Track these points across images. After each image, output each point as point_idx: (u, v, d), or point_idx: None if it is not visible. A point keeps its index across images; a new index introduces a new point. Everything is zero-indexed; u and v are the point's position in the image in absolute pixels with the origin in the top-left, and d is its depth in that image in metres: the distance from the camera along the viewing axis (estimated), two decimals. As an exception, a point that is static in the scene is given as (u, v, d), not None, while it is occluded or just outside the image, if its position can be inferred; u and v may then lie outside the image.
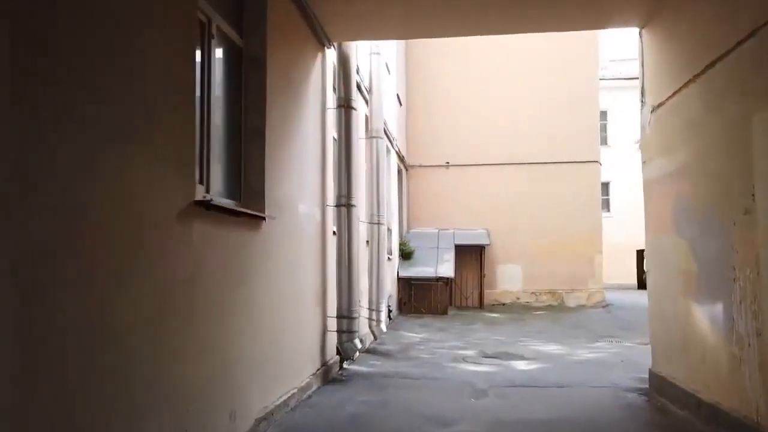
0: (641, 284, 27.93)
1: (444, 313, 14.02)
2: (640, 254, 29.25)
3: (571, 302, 16.49)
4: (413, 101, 17.16)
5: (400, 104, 15.47)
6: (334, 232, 6.98)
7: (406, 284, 14.22)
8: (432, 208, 16.95)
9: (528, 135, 16.78)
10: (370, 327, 8.58)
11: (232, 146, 4.51)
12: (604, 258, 16.82)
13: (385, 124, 10.46)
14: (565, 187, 16.59)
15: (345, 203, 6.94)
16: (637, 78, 6.54)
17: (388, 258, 12.17)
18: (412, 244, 15.30)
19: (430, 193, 17.01)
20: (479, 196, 16.86)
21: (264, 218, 4.52)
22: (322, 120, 6.71)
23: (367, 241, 8.86)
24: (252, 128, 4.65)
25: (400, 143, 14.84)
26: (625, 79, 27.52)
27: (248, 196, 4.57)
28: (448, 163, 17.06)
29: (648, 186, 6.27)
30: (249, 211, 4.28)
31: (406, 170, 16.87)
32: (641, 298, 21.14)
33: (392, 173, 13.47)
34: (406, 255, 14.67)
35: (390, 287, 12.54)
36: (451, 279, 14.30)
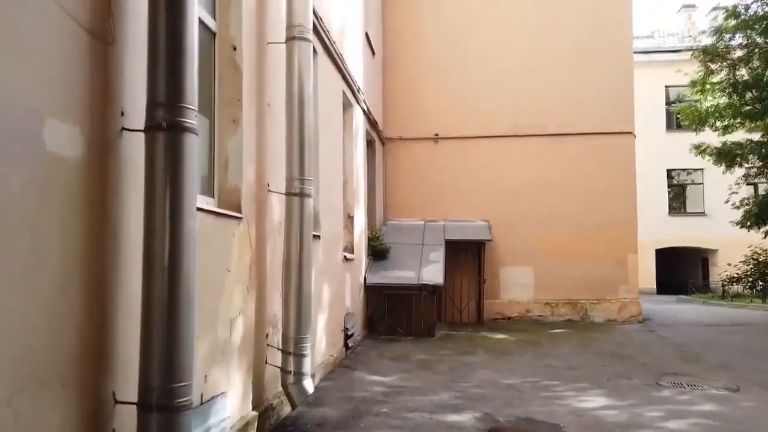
0: (661, 288, 24.19)
1: (429, 334, 10.11)
2: (660, 254, 25.59)
3: (597, 316, 12.61)
4: (392, 55, 13.26)
5: (373, 53, 11.55)
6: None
7: (376, 295, 10.31)
8: (416, 194, 13.06)
9: (542, 99, 12.92)
10: (283, 385, 4.65)
11: None
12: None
13: (326, 33, 6.55)
14: (591, 165, 12.73)
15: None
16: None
17: (345, 258, 8.26)
18: (388, 240, 11.40)
19: (413, 174, 13.12)
20: (478, 177, 12.99)
21: None
22: None
23: (280, 223, 4.94)
24: None
25: (372, 105, 10.95)
26: (642, 52, 23.85)
27: None
28: (437, 135, 13.17)
29: None
30: None
31: (382, 144, 12.96)
32: (682, 309, 17.22)
33: (358, 138, 9.56)
34: (378, 254, 10.76)
35: (349, 301, 8.62)
36: (440, 287, 10.38)
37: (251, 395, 4.35)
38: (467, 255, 12.47)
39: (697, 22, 28.64)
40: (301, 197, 4.72)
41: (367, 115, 10.41)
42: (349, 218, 8.95)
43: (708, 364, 8.30)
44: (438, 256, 11.10)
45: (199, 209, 3.37)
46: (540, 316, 12.68)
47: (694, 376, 7.36)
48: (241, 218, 4.21)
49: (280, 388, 4.73)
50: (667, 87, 24.64)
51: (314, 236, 6.16)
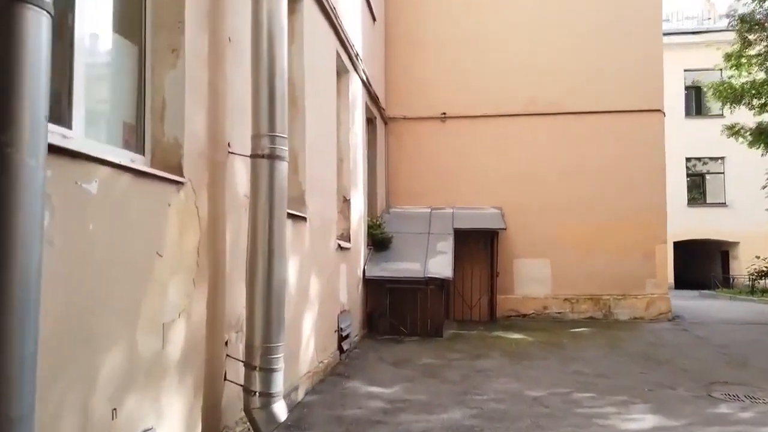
0: (678, 283, 22.90)
1: (437, 334, 8.94)
2: (677, 248, 24.26)
3: (622, 314, 11.41)
4: (395, 25, 12.04)
5: (373, 18, 10.34)
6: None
7: (377, 289, 9.14)
8: (422, 179, 11.87)
9: (562, 74, 11.70)
10: (246, 410, 3.48)
11: None
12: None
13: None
14: (615, 146, 11.51)
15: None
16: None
17: (340, 247, 7.08)
18: (391, 229, 10.22)
19: (419, 156, 11.93)
20: (490, 161, 11.79)
21: None
22: None
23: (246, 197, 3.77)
24: None
25: (373, 78, 9.75)
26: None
27: None
28: (444, 114, 11.97)
29: None
30: None
31: (385, 123, 11.77)
32: (710, 305, 15.85)
33: (356, 111, 8.37)
34: (379, 243, 9.59)
35: (345, 297, 7.45)
36: (449, 280, 9.20)
37: (200, 427, 3.20)
38: (478, 246, 11.29)
39: (716, 4, 27.26)
40: (271, 160, 3.54)
41: (367, 86, 9.22)
42: (345, 202, 7.78)
43: (759, 369, 7.13)
44: (446, 246, 9.92)
45: (105, 163, 2.22)
46: (558, 313, 11.49)
47: (748, 386, 6.21)
48: (182, 183, 3.04)
49: (244, 414, 3.56)
50: (686, 71, 23.31)
51: (298, 217, 5.02)
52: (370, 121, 10.48)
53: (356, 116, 8.42)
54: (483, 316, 11.14)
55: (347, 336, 7.26)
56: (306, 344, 5.51)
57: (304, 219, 5.45)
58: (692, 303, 15.46)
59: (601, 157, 11.49)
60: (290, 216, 4.64)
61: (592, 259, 11.43)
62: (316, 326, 5.89)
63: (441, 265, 9.18)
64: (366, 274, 8.82)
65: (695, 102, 24.27)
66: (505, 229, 10.86)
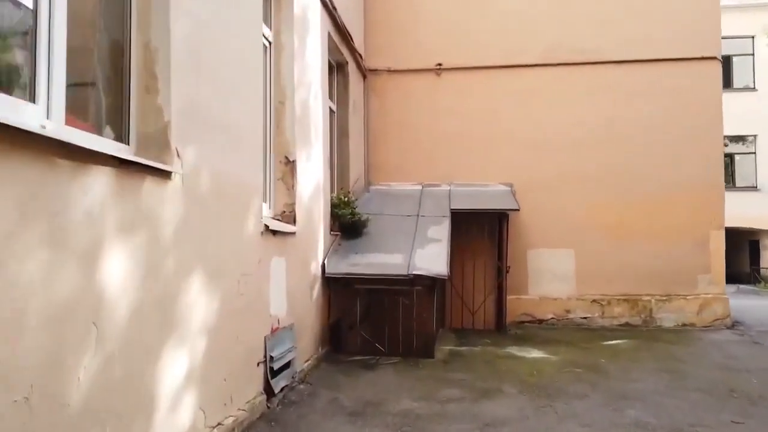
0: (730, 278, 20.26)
1: (426, 353, 6.40)
2: (731, 234, 21.46)
3: (666, 319, 8.89)
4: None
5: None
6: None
7: (344, 291, 6.61)
8: (411, 149, 9.35)
9: (590, 12, 9.13)
10: None
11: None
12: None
13: None
14: (658, 104, 8.95)
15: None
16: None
17: (270, 230, 4.54)
18: (368, 210, 7.71)
19: (407, 120, 9.40)
20: (498, 124, 9.25)
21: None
22: None
23: None
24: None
25: (344, 11, 7.17)
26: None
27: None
28: (439, 66, 9.39)
29: None
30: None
31: (363, 77, 9.20)
32: (764, 304, 13.10)
33: (308, 41, 5.79)
34: (348, 228, 7.05)
35: (283, 306, 4.90)
36: (444, 278, 6.62)
37: None
38: (482, 233, 8.78)
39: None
40: None
41: (331, 11, 6.65)
42: (288, 165, 5.25)
43: None
44: (440, 232, 7.39)
45: None
46: (585, 318, 8.98)
47: None
48: None
49: None
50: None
51: (156, 171, 2.51)
52: (339, 67, 7.92)
53: (310, 45, 5.87)
54: (489, 324, 8.64)
55: (285, 367, 4.76)
56: (177, 398, 3.02)
57: (167, 175, 2.93)
58: (740, 303, 12.93)
59: (641, 118, 8.93)
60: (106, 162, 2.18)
61: (629, 249, 8.91)
62: (211, 363, 3.40)
63: (432, 257, 6.65)
64: (327, 271, 6.29)
65: (724, 74, 21.65)
66: (518, 210, 8.31)
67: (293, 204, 5.25)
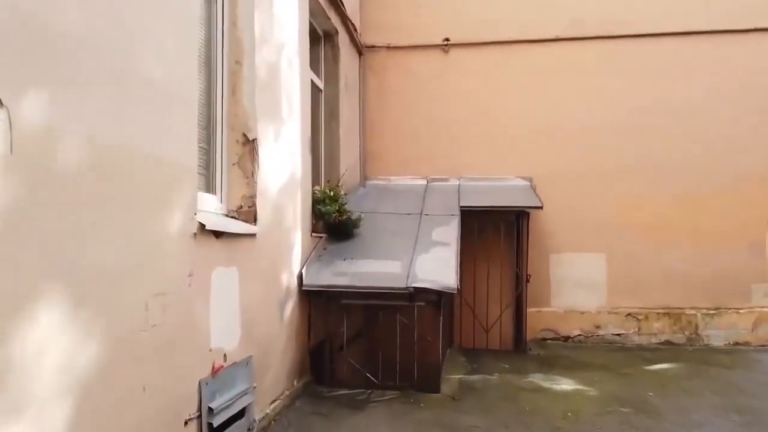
0: None
1: (431, 386, 5.07)
2: None
3: (714, 336, 7.53)
4: None
5: None
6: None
7: (328, 307, 5.31)
8: (414, 137, 8.06)
9: (621, -26, 7.83)
10: None
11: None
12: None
13: None
14: (707, 84, 7.60)
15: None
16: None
17: (212, 232, 3.26)
18: (362, 208, 6.43)
19: (409, 104, 8.11)
20: (515, 109, 7.94)
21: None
22: None
23: None
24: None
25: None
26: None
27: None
28: (447, 41, 8.09)
29: None
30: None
31: (358, 53, 7.93)
32: None
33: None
34: (335, 228, 5.75)
35: (234, 335, 3.62)
36: (452, 292, 5.27)
37: None
38: (497, 234, 7.47)
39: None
40: None
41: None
42: (247, 145, 3.97)
43: None
44: (448, 234, 6.08)
45: None
46: (618, 335, 7.65)
47: None
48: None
49: None
50: None
51: None
52: (327, 37, 6.65)
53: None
54: (506, 342, 7.32)
55: (237, 417, 3.47)
56: None
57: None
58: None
59: (684, 99, 7.59)
60: None
61: (670, 254, 7.57)
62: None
63: (438, 265, 5.33)
64: (305, 283, 4.99)
65: None
66: (541, 207, 6.99)
67: (254, 197, 3.97)
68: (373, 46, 8.12)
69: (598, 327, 7.68)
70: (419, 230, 6.19)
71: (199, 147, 3.55)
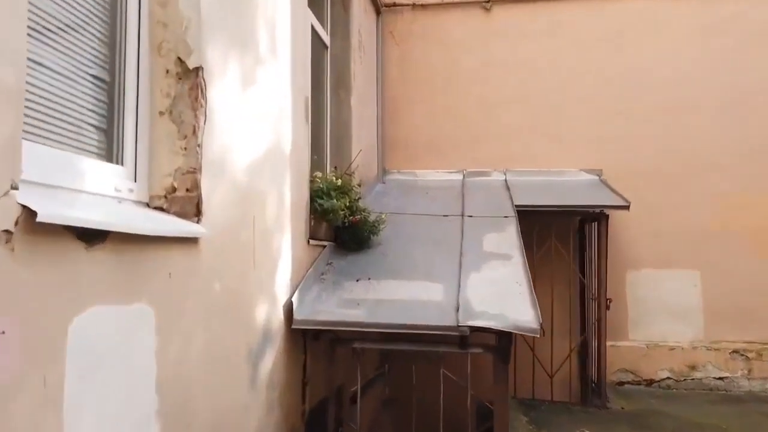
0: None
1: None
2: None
3: None
4: None
5: None
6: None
7: (333, 353, 3.50)
8: (446, 120, 6.28)
9: None
10: None
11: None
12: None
13: None
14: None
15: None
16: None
17: (31, 226, 1.46)
18: (380, 209, 4.63)
19: (440, 77, 6.33)
20: (577, 83, 6.14)
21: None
22: None
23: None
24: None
25: None
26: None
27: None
28: (489, -2, 6.33)
29: None
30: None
31: (376, 12, 6.17)
32: None
33: None
34: (347, 233, 3.94)
35: (149, 424, 1.83)
36: (534, 335, 3.33)
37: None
38: (563, 244, 5.62)
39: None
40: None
41: None
42: (187, 79, 2.18)
43: None
44: (505, 243, 4.24)
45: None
46: (720, 379, 5.75)
47: None
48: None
49: None
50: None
51: None
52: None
53: None
54: (574, 392, 5.45)
55: None
56: None
57: None
58: None
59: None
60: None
61: (788, 271, 5.70)
62: None
63: (501, 290, 3.49)
64: (295, 317, 3.17)
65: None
66: (627, 207, 5.13)
67: (197, 172, 2.18)
68: (394, 5, 6.36)
69: (693, 368, 5.80)
70: (464, 237, 4.36)
71: (90, 76, 1.79)
